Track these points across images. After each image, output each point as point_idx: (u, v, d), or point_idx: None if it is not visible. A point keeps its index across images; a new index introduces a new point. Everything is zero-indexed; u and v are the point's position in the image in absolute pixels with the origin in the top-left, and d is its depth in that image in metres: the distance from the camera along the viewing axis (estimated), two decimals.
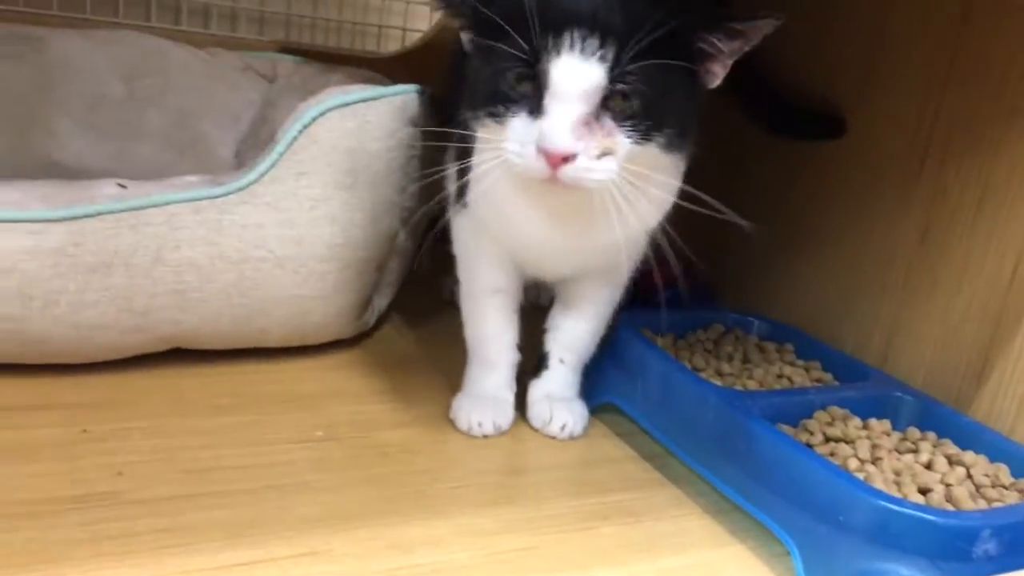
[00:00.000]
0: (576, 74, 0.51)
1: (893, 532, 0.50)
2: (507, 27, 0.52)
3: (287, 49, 1.07)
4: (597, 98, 0.52)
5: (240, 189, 0.66)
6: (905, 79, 0.74)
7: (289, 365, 0.72)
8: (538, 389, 0.69)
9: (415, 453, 0.63)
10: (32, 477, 0.54)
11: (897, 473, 0.57)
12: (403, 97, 0.72)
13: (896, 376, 0.71)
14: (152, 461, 0.57)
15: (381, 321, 0.81)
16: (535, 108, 0.52)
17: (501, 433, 0.67)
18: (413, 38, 1.18)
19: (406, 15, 1.20)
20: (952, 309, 0.70)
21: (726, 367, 0.70)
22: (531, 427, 0.69)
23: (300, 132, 0.67)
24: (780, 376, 0.70)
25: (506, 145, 0.53)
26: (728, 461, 0.59)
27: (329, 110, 0.68)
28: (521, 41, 0.51)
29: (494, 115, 0.54)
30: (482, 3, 0.54)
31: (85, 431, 0.59)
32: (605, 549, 0.55)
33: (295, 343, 0.73)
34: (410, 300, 0.84)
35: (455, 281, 0.90)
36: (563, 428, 0.67)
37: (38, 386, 0.64)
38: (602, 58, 0.51)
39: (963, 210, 0.69)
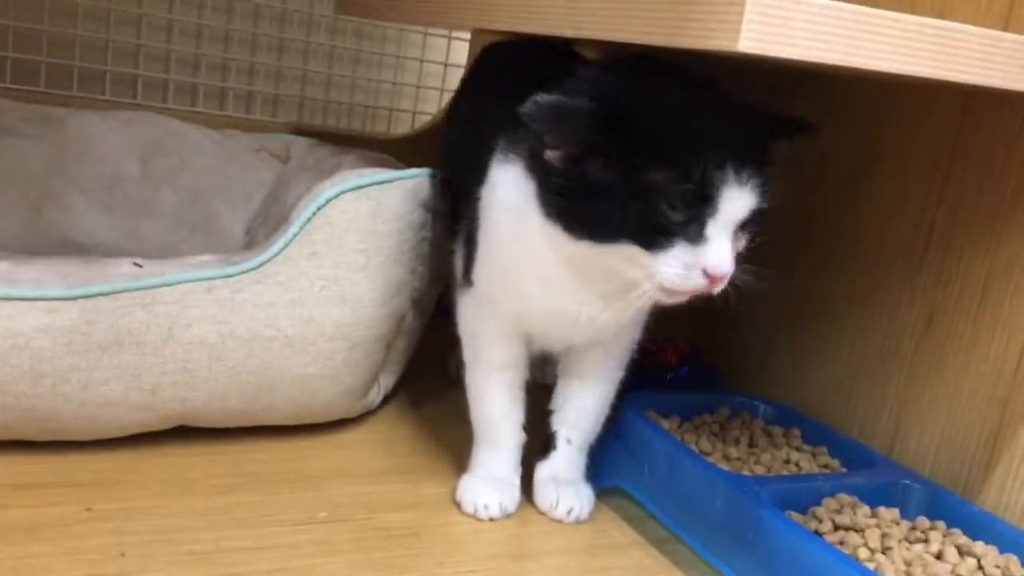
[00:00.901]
0: (740, 204, 0.53)
1: None
2: (664, 159, 0.52)
3: (300, 131, 1.09)
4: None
5: (253, 269, 0.67)
6: (907, 165, 0.76)
7: (294, 444, 0.72)
8: (545, 470, 0.69)
9: (420, 536, 0.63)
10: (35, 557, 0.53)
11: (908, 563, 0.57)
12: (416, 180, 0.73)
13: (903, 461, 0.71)
14: (155, 542, 0.57)
15: (387, 400, 0.81)
16: (697, 235, 0.53)
17: (507, 516, 0.66)
18: (423, 120, 1.21)
19: (416, 98, 1.23)
20: (958, 394, 0.70)
21: (733, 451, 0.70)
22: (537, 509, 0.68)
23: (314, 214, 0.68)
24: (787, 462, 0.70)
25: (663, 269, 0.53)
26: (737, 548, 0.58)
27: (343, 192, 0.69)
28: (686, 173, 0.52)
29: (649, 245, 0.53)
30: (623, 133, 0.53)
31: (89, 510, 0.59)
32: None
33: (301, 421, 0.73)
34: (416, 379, 0.84)
35: (461, 361, 0.91)
36: (569, 512, 0.67)
37: (43, 463, 0.64)
38: (755, 185, 0.53)
39: (968, 295, 0.70)
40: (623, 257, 0.54)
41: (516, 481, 0.68)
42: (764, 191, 0.54)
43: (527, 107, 0.52)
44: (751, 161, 0.53)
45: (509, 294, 0.64)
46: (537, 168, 0.57)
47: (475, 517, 0.66)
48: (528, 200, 0.58)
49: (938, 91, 0.72)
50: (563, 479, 0.68)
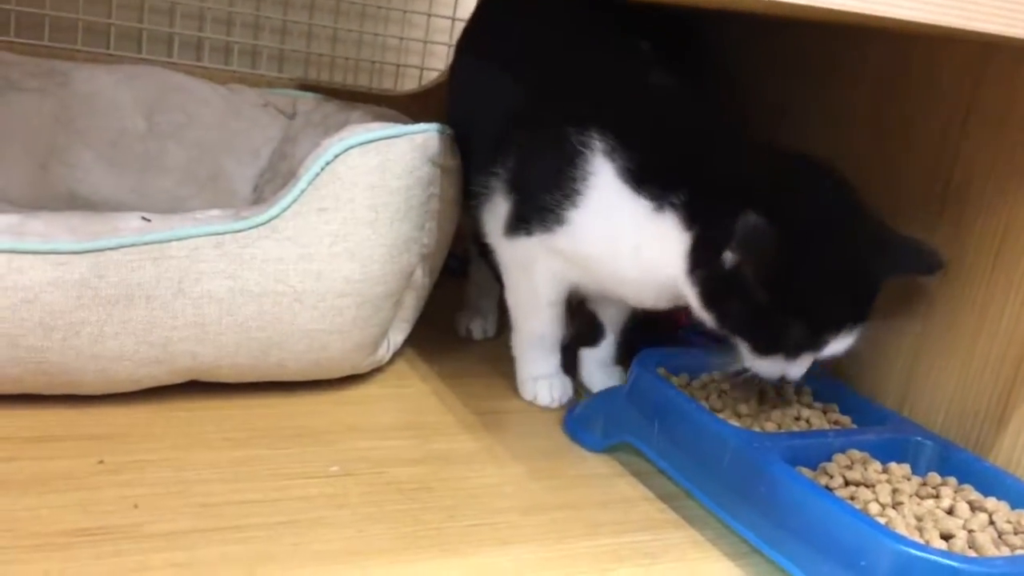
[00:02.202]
0: (837, 348, 0.64)
1: None
2: (800, 314, 0.62)
3: (306, 87, 1.08)
4: None
5: (262, 224, 0.66)
6: (923, 120, 0.74)
7: (305, 400, 0.72)
8: (594, 356, 0.82)
9: (430, 490, 0.63)
10: (48, 508, 0.54)
11: (919, 518, 0.57)
12: (424, 135, 0.72)
13: (914, 419, 0.71)
14: (168, 494, 0.57)
15: (396, 357, 0.81)
16: (793, 358, 0.64)
17: (562, 404, 0.78)
18: (430, 76, 1.19)
19: (424, 54, 1.21)
20: (971, 354, 0.70)
21: (743, 408, 0.70)
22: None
23: (322, 168, 0.68)
24: (798, 418, 0.70)
25: (758, 366, 0.65)
26: (747, 504, 0.59)
27: (351, 147, 0.69)
28: (813, 331, 0.63)
29: (758, 349, 0.64)
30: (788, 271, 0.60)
31: (102, 462, 0.59)
32: None
33: (311, 377, 0.73)
34: (425, 337, 0.84)
35: (470, 318, 0.91)
36: None
37: (56, 417, 0.64)
38: (856, 332, 0.64)
39: (983, 254, 0.69)
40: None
41: (563, 374, 0.80)
42: (862, 332, 0.64)
43: (744, 226, 0.58)
44: (863, 316, 0.64)
45: (600, 268, 0.71)
46: (703, 257, 0.64)
47: (548, 407, 0.78)
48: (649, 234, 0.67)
49: (956, 44, 0.71)
50: (608, 363, 0.82)
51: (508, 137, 0.74)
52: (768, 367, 0.65)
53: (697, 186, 0.66)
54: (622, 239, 0.68)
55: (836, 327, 0.63)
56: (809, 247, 0.60)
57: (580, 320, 0.83)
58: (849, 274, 0.63)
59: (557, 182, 0.69)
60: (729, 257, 0.62)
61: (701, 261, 0.64)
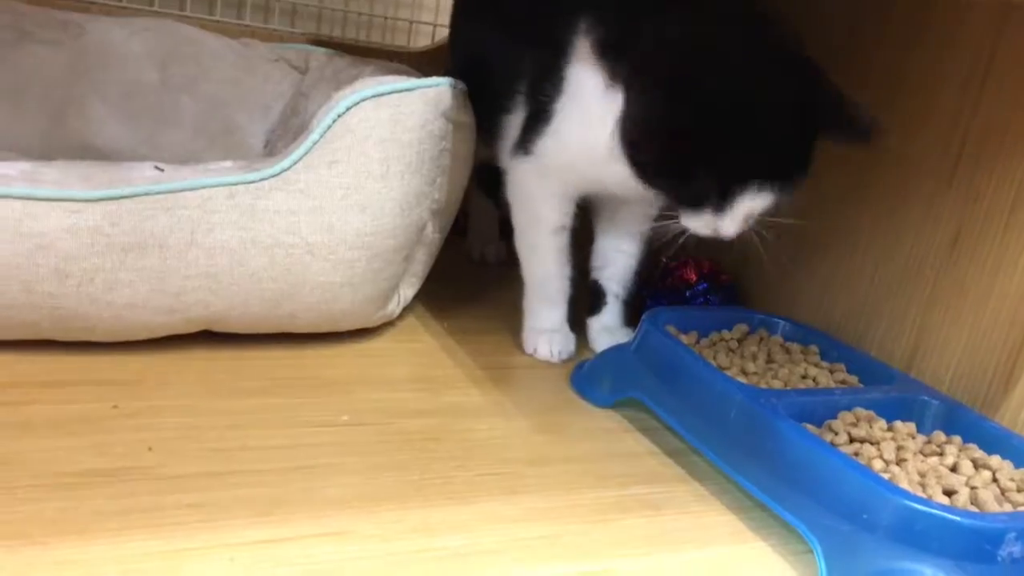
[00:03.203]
0: (755, 205, 0.64)
1: (918, 532, 0.50)
2: (708, 163, 0.63)
3: (319, 42, 1.08)
4: None
5: (274, 175, 0.67)
6: (941, 78, 0.74)
7: (316, 352, 0.73)
8: (597, 322, 0.82)
9: (439, 441, 0.64)
10: (64, 450, 0.55)
11: (922, 475, 0.57)
12: (437, 89, 0.72)
13: (922, 380, 0.71)
14: (181, 439, 0.58)
15: (406, 312, 0.82)
16: (719, 210, 0.65)
17: (564, 360, 0.79)
18: (443, 33, 1.19)
19: (437, 11, 1.21)
20: (981, 314, 0.70)
21: (751, 366, 0.70)
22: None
23: (335, 121, 0.68)
24: (805, 377, 0.70)
25: (689, 224, 0.67)
26: (752, 458, 0.59)
27: (364, 100, 0.69)
28: (721, 180, 0.64)
29: (685, 204, 0.67)
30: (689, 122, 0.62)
31: (116, 407, 0.60)
32: (626, 540, 0.55)
33: (322, 329, 0.73)
34: (435, 293, 0.84)
35: (482, 244, 1.00)
36: None
37: (71, 363, 0.65)
38: (775, 190, 0.64)
39: (995, 215, 0.69)
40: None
41: (568, 330, 0.80)
42: (786, 191, 0.64)
43: (621, 128, 0.64)
44: (781, 173, 0.63)
45: (578, 164, 0.72)
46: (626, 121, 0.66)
47: (548, 361, 0.78)
48: (608, 112, 0.66)
49: (976, 4, 0.70)
50: (614, 327, 0.82)
51: (512, 70, 0.76)
52: (697, 223, 0.66)
53: (635, 56, 0.65)
54: (589, 119, 0.68)
55: (744, 180, 0.62)
56: (713, 88, 0.60)
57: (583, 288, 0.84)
58: (755, 123, 0.61)
59: (548, 73, 0.70)
60: (631, 95, 0.63)
61: (621, 120, 0.65)
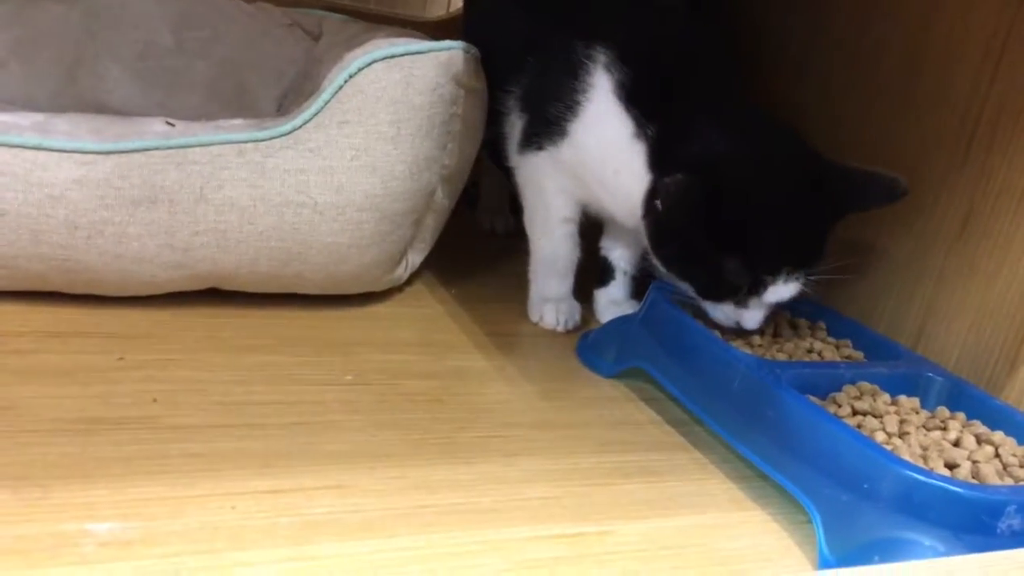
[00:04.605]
0: (783, 293, 0.66)
1: (918, 503, 0.50)
2: (737, 251, 0.65)
3: (333, 9, 1.07)
4: None
5: (284, 134, 0.67)
6: (955, 59, 0.73)
7: (322, 313, 0.73)
8: (604, 296, 0.83)
9: (442, 403, 0.64)
10: (70, 398, 0.55)
11: (924, 448, 0.57)
12: (449, 53, 0.72)
13: (928, 358, 0.71)
14: (186, 391, 0.58)
15: (413, 278, 0.82)
16: (741, 304, 0.68)
17: (570, 329, 0.79)
18: (458, 3, 1.18)
19: None
20: (989, 294, 0.69)
21: (756, 339, 0.70)
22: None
23: (346, 81, 0.68)
24: (810, 351, 0.70)
25: (711, 312, 0.69)
26: (754, 428, 0.59)
27: (375, 61, 0.69)
28: (751, 270, 0.66)
29: (705, 295, 0.68)
30: (718, 213, 0.63)
31: (122, 359, 0.61)
32: (626, 504, 0.56)
33: (329, 291, 0.74)
34: (443, 260, 0.84)
35: (492, 215, 1.01)
36: None
37: (79, 315, 0.65)
38: (804, 276, 0.66)
39: (1008, 195, 0.69)
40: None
41: (574, 300, 0.81)
42: (813, 277, 0.66)
43: (663, 188, 0.63)
44: (808, 261, 0.66)
45: (590, 186, 0.74)
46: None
47: (554, 330, 0.79)
48: (633, 160, 0.69)
49: None
50: (620, 300, 0.82)
51: (522, 56, 0.76)
52: (720, 313, 0.68)
53: (664, 125, 0.68)
54: (608, 157, 0.71)
55: (774, 270, 0.65)
56: (741, 192, 0.63)
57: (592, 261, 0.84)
58: (785, 216, 0.65)
59: (562, 94, 0.72)
60: (658, 207, 0.65)
61: (648, 208, 0.68)
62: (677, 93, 0.69)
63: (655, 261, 0.70)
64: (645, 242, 0.70)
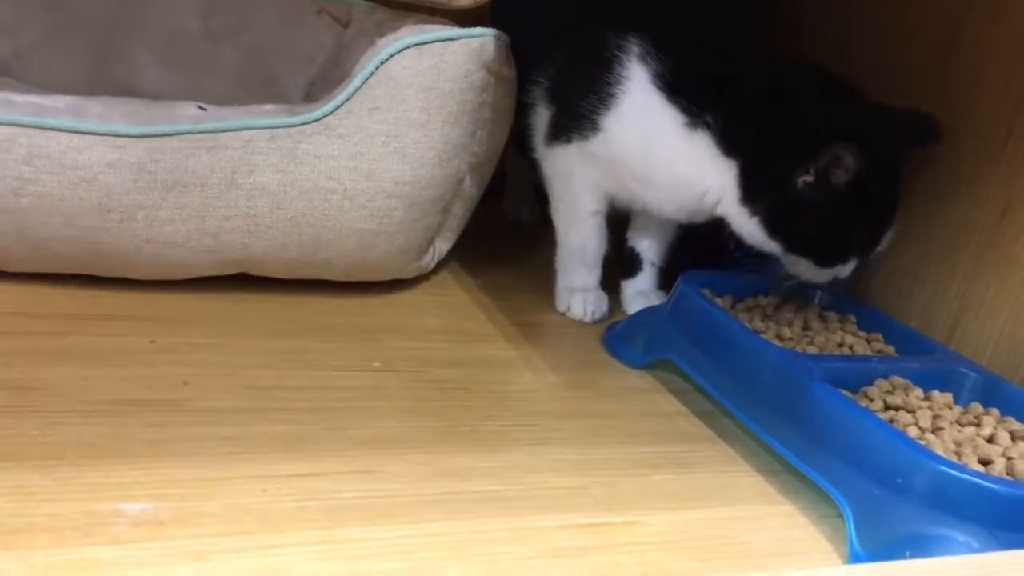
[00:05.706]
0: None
1: (952, 498, 0.49)
2: (865, 223, 0.67)
3: None
4: None
5: (315, 120, 0.67)
6: (992, 48, 0.71)
7: (350, 300, 0.73)
8: (632, 287, 0.82)
9: (469, 391, 0.64)
10: (101, 380, 0.56)
11: (958, 444, 0.56)
12: (480, 40, 0.71)
13: (962, 353, 0.70)
14: (217, 375, 0.59)
15: (440, 266, 0.82)
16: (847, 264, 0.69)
17: (597, 320, 0.79)
18: None
19: None
20: (1023, 289, 0.68)
21: (786, 332, 0.70)
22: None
23: (377, 68, 0.68)
24: (841, 345, 0.69)
25: (813, 274, 0.69)
26: (784, 421, 0.59)
27: (406, 47, 0.68)
28: (874, 239, 0.68)
29: (820, 260, 0.68)
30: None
31: (153, 342, 0.61)
32: (653, 495, 0.55)
33: (357, 277, 0.74)
34: (471, 249, 0.84)
35: (518, 205, 1.01)
36: None
37: (110, 298, 0.66)
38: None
39: None
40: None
41: (601, 291, 0.80)
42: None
43: (841, 149, 0.63)
44: (896, 216, 0.69)
45: (628, 182, 0.74)
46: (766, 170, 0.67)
47: (582, 321, 0.79)
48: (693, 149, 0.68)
49: None
50: (648, 291, 0.82)
51: (550, 46, 0.76)
52: (823, 274, 0.69)
53: (733, 110, 0.67)
54: (655, 150, 0.70)
55: (889, 224, 0.68)
56: (875, 163, 0.64)
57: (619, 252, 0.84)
58: (894, 177, 0.68)
59: (593, 87, 0.71)
60: (804, 181, 0.64)
61: (763, 189, 0.66)
62: (728, 79, 0.68)
63: (765, 241, 0.68)
64: (750, 227, 0.68)
